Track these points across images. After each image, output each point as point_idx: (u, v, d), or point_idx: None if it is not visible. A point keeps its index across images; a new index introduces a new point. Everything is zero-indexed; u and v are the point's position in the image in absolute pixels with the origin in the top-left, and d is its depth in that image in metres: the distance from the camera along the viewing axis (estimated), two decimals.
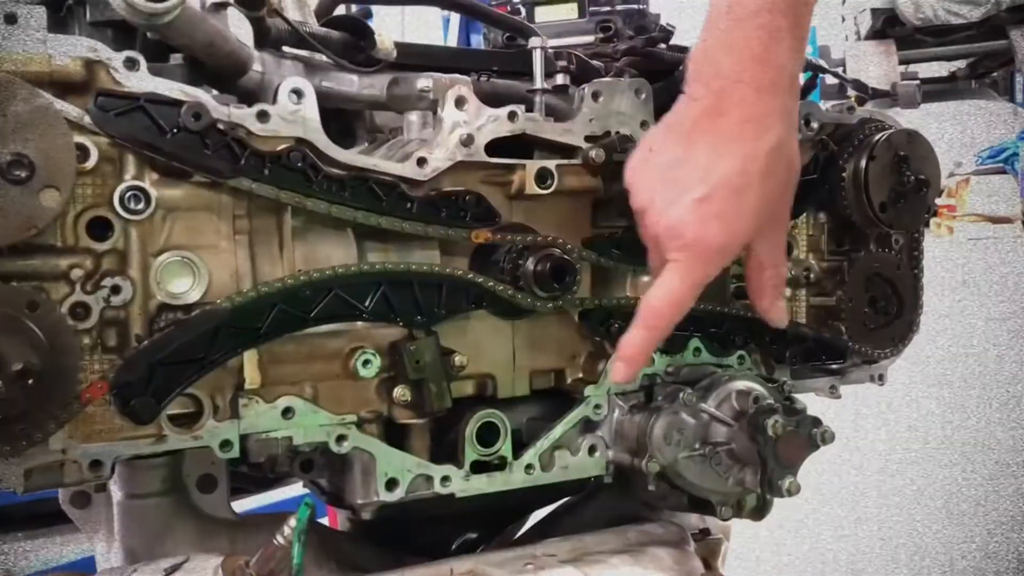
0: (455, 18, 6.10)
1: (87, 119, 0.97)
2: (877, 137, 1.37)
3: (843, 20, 10.43)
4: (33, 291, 0.95)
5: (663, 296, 1.00)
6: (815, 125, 1.37)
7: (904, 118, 1.46)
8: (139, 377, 0.99)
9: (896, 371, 1.52)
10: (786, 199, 0.98)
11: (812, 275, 1.44)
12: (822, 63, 1.82)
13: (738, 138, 0.92)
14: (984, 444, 4.56)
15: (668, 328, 1.05)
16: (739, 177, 0.92)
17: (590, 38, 1.86)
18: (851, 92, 1.94)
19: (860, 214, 1.38)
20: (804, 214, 1.42)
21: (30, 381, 0.91)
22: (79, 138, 0.97)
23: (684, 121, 0.96)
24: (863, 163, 1.36)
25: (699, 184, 0.93)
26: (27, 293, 0.94)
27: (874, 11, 9.72)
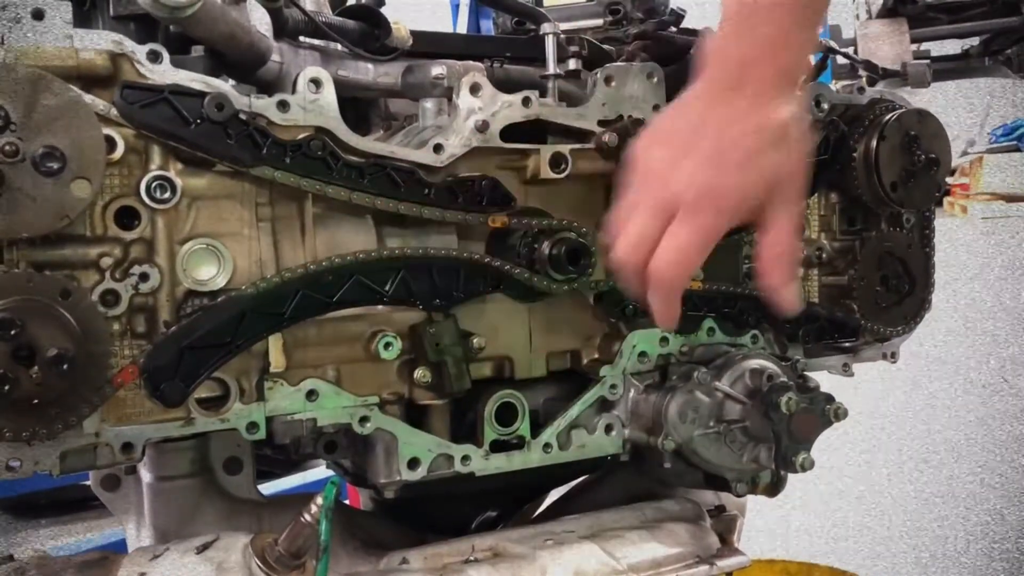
0: (464, 5, 6.10)
1: (113, 111, 1.00)
2: (887, 117, 1.38)
3: None
4: (65, 279, 0.98)
5: (675, 248, 0.95)
6: (825, 106, 1.38)
7: (916, 97, 1.47)
8: (168, 361, 1.02)
9: (904, 349, 1.53)
10: (798, 176, 0.98)
11: (824, 254, 1.45)
12: (832, 44, 1.82)
13: (752, 109, 0.93)
14: (991, 422, 4.56)
15: (685, 283, 1.00)
16: (754, 139, 0.92)
17: (599, 21, 1.87)
18: (861, 72, 1.94)
19: (871, 194, 1.39)
20: (816, 194, 1.44)
21: (64, 366, 0.94)
22: (106, 130, 0.99)
23: (700, 97, 0.97)
24: (874, 143, 1.37)
25: (714, 142, 0.93)
26: (59, 281, 0.97)
27: None
